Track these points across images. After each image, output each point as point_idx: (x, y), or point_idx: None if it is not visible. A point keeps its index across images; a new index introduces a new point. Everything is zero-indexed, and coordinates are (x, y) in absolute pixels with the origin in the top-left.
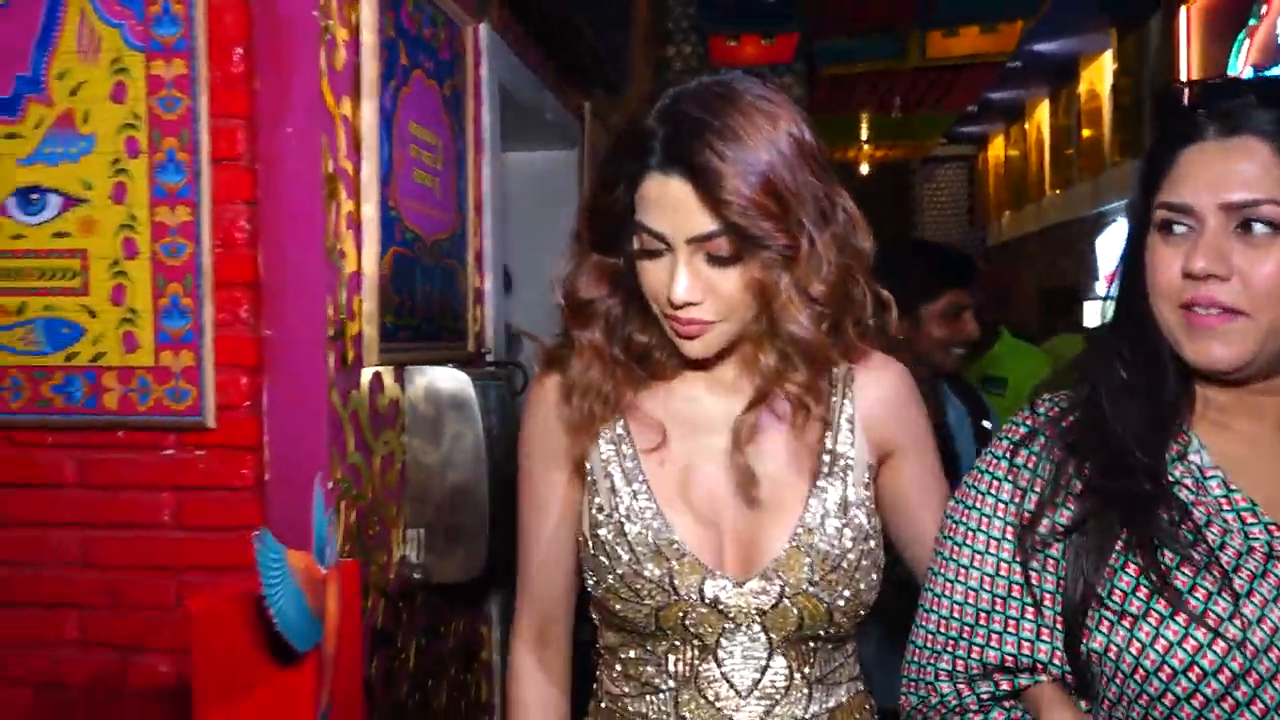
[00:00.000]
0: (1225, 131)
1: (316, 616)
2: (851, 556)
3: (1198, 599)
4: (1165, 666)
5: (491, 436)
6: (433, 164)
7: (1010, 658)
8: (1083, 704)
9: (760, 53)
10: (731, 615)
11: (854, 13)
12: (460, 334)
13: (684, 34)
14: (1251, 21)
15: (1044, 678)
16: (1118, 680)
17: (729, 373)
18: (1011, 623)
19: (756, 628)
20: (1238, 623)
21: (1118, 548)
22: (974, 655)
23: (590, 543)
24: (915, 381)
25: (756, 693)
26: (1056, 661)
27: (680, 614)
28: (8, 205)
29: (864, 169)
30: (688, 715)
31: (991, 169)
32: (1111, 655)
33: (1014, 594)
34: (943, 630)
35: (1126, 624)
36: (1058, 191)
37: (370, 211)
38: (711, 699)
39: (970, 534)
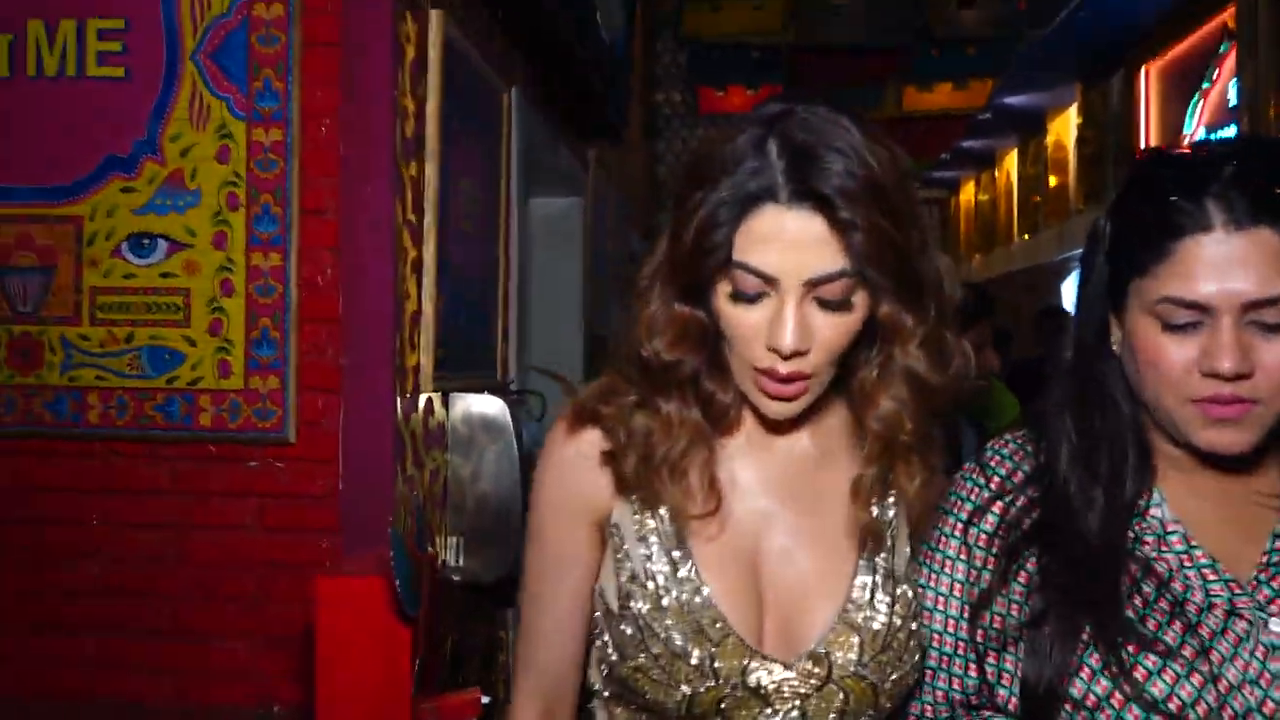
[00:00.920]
0: (1234, 223)
1: (416, 592)
2: (901, 636)
3: (1168, 642)
4: (1145, 695)
5: (523, 454)
6: (473, 214)
7: (972, 701)
8: None
9: (746, 102)
10: (771, 700)
11: (834, 69)
12: (491, 365)
13: (672, 80)
14: (1205, 85)
15: None
16: None
17: (792, 431)
18: (958, 680)
19: (795, 714)
20: (1206, 665)
21: (1083, 638)
22: (935, 700)
23: (620, 617)
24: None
25: None
26: (1011, 708)
27: (717, 699)
28: (122, 248)
29: None
30: None
31: (963, 213)
32: (1090, 703)
33: (959, 651)
34: (926, 659)
35: (1101, 686)
36: (1026, 236)
37: (429, 259)
38: None
39: (924, 592)
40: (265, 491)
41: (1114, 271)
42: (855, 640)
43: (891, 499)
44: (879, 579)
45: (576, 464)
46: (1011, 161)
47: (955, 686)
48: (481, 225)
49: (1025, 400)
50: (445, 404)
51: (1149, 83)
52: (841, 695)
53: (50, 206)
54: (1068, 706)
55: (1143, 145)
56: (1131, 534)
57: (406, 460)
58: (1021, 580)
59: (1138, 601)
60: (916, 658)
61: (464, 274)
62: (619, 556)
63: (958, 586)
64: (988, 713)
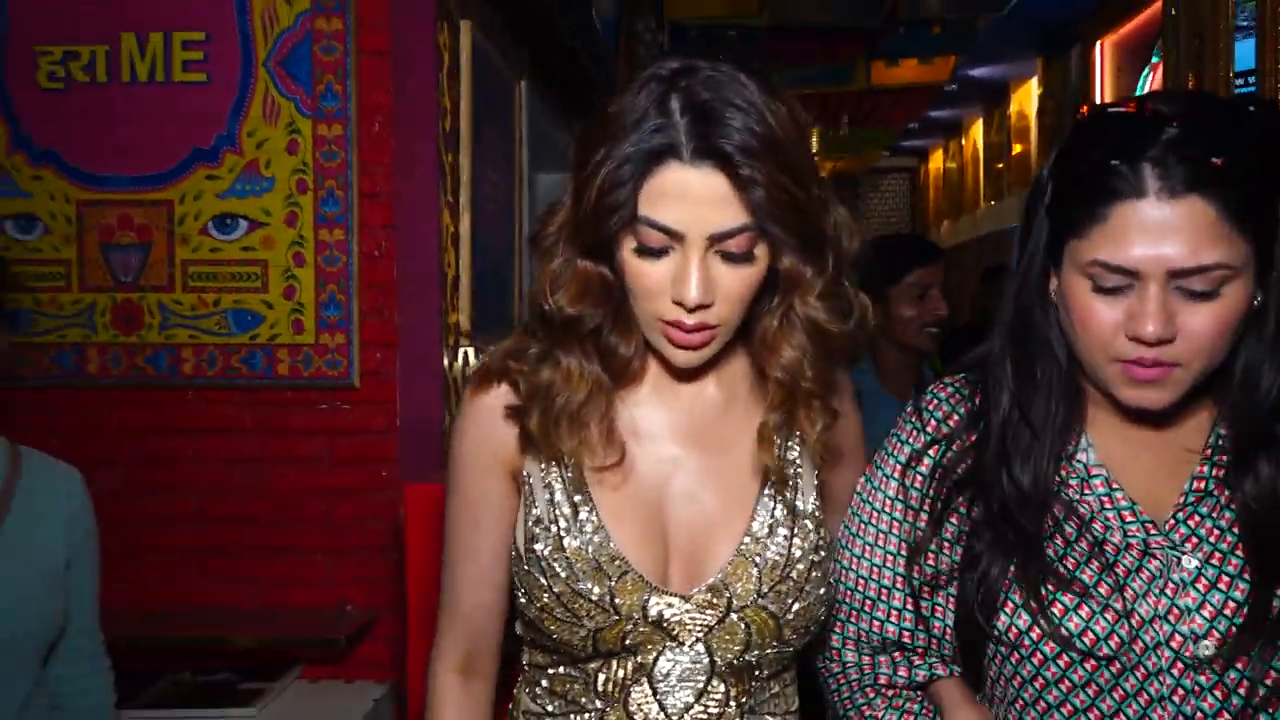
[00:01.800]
0: (1167, 190)
1: None
2: (801, 566)
3: (1085, 581)
4: (1061, 630)
5: None
6: (495, 195)
7: (904, 636)
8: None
9: None
10: (675, 634)
11: (807, 48)
12: (509, 321)
13: (653, 59)
14: (1154, 59)
15: (941, 669)
16: (1014, 659)
17: (697, 379)
18: (895, 612)
19: (700, 648)
20: (1120, 602)
21: (1009, 575)
22: (874, 630)
23: (525, 558)
24: (896, 367)
25: (687, 718)
26: (941, 648)
27: (620, 634)
28: (208, 227)
29: None
30: None
31: (932, 180)
32: (1011, 635)
33: (898, 585)
34: (846, 599)
35: (1023, 620)
36: (991, 202)
37: (465, 233)
38: None
39: (865, 527)
40: (334, 429)
41: (1053, 227)
42: (754, 572)
43: (796, 440)
44: (780, 515)
45: (487, 418)
46: (978, 130)
47: (892, 619)
48: (500, 201)
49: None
50: (478, 355)
51: (1104, 56)
52: (744, 627)
53: (146, 192)
54: (993, 638)
55: None
56: (1058, 478)
57: (451, 402)
58: (954, 522)
59: (1059, 542)
60: (821, 591)
61: (488, 244)
62: (528, 504)
63: (895, 525)
64: (918, 660)
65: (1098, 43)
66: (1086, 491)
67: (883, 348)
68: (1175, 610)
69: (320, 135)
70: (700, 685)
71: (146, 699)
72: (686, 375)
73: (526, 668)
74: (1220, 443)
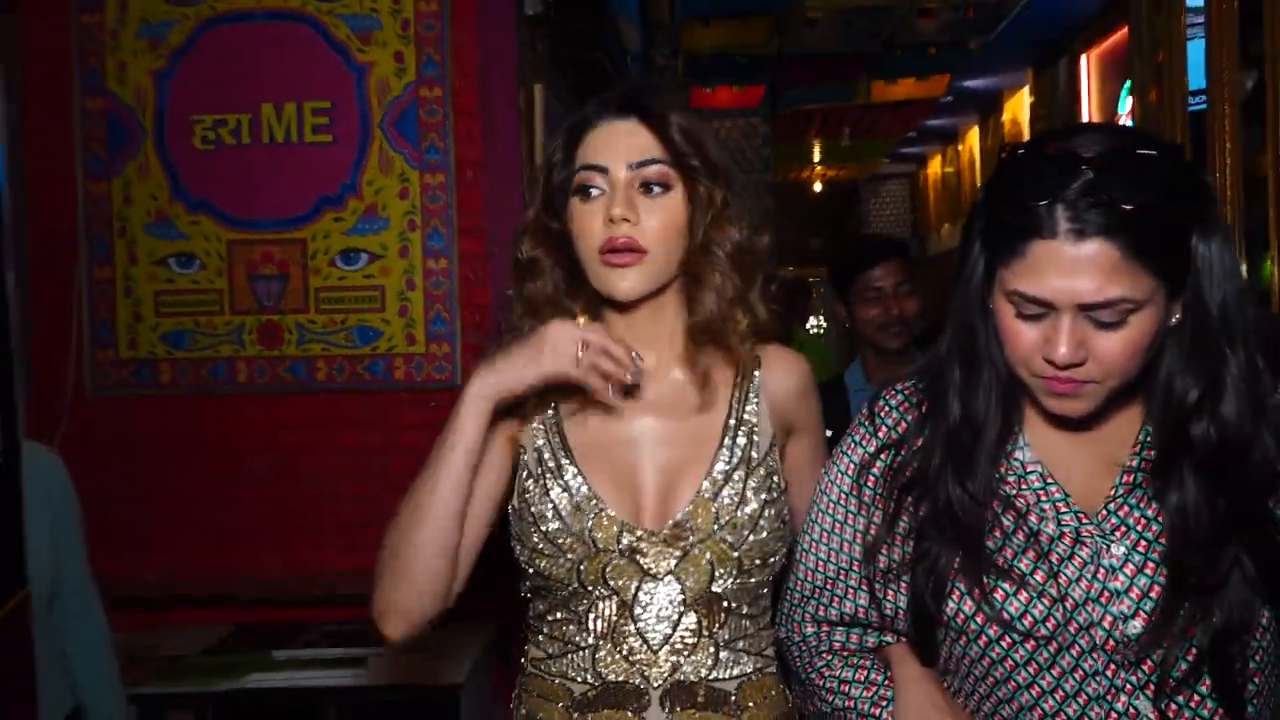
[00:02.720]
0: (1075, 233)
1: None
2: (753, 505)
3: (1022, 569)
4: (1002, 614)
5: None
6: None
7: (859, 613)
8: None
9: (733, 98)
10: (649, 569)
11: (811, 71)
12: None
13: (667, 82)
14: None
15: (890, 638)
16: (962, 642)
17: (646, 330)
18: (851, 591)
19: (672, 581)
20: (1055, 587)
21: (952, 569)
22: (833, 605)
23: (518, 509)
24: (878, 364)
25: (667, 647)
26: (894, 624)
27: (601, 566)
28: (336, 260)
29: (817, 187)
30: (604, 670)
31: (930, 185)
32: (959, 621)
33: (854, 568)
34: (807, 579)
35: (968, 606)
36: None
37: None
38: (626, 654)
39: (822, 515)
40: (441, 423)
41: (986, 252)
42: (713, 510)
43: (753, 402)
44: (735, 461)
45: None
46: (973, 137)
47: (849, 597)
48: None
49: None
50: None
51: (1089, 68)
52: (707, 558)
53: (284, 232)
54: (943, 621)
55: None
56: (997, 475)
57: None
58: (905, 520)
59: (998, 534)
60: (775, 527)
61: None
62: (521, 467)
63: (850, 517)
64: (871, 632)
65: (1083, 56)
66: (1024, 487)
67: (862, 346)
68: (1106, 593)
69: (426, 183)
70: (675, 618)
71: (303, 641)
72: (634, 329)
73: (531, 619)
74: (1148, 439)
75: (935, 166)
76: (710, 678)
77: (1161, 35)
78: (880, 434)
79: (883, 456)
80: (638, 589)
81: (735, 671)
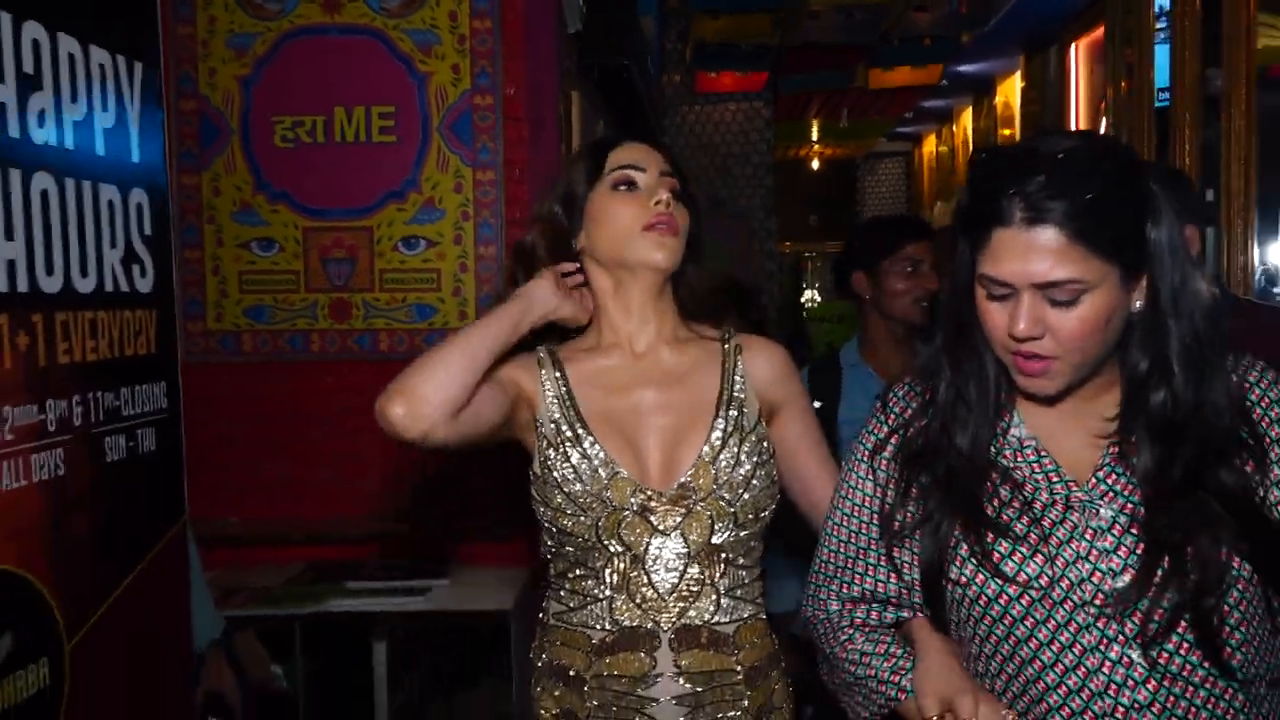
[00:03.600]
0: (1028, 221)
1: None
2: (746, 467)
3: (1017, 532)
4: (1000, 571)
5: None
6: None
7: (879, 588)
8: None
9: (736, 83)
10: (657, 525)
11: (812, 60)
12: None
13: (674, 65)
14: None
15: (909, 614)
16: (965, 602)
17: (650, 312)
18: (871, 568)
19: (677, 536)
20: (1047, 547)
21: (956, 532)
22: (855, 583)
23: (542, 478)
24: (884, 336)
25: (674, 595)
26: (911, 598)
27: (617, 523)
28: (398, 245)
29: (815, 165)
30: (620, 617)
31: (925, 164)
32: (961, 581)
33: (873, 547)
34: (830, 560)
35: (969, 569)
36: None
37: None
38: (639, 602)
39: (843, 500)
40: None
41: (967, 243)
42: (711, 472)
43: (739, 382)
44: (729, 430)
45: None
46: (967, 118)
47: (869, 574)
48: None
49: None
50: None
51: (1079, 56)
52: (708, 514)
53: (353, 221)
54: (949, 584)
55: (1073, 108)
56: (994, 449)
57: None
58: (914, 493)
59: (996, 502)
60: (766, 486)
61: None
62: (540, 437)
63: (867, 499)
64: (891, 608)
65: (1072, 44)
66: (1020, 460)
67: (871, 319)
68: (1095, 551)
69: (478, 179)
70: (681, 568)
71: (364, 573)
72: (641, 314)
73: (552, 578)
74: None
75: (930, 146)
76: (713, 621)
77: (1132, 34)
78: (890, 421)
79: (893, 440)
80: (648, 543)
81: (734, 616)
